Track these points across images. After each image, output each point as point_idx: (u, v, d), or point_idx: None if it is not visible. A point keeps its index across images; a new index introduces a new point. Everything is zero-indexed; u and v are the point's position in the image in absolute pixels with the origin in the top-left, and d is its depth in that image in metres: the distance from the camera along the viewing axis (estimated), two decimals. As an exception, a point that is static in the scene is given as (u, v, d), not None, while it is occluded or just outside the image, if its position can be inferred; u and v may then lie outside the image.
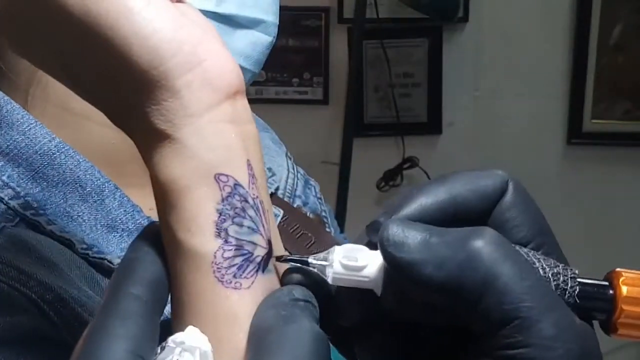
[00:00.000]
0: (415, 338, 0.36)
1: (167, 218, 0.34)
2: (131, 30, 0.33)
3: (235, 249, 0.33)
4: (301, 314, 0.31)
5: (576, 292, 0.33)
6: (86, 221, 0.49)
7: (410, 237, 0.32)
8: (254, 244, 0.34)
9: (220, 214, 0.33)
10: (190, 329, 0.30)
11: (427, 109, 2.17)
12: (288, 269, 0.36)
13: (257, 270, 0.34)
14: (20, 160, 0.49)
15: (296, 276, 0.35)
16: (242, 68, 0.58)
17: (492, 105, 2.13)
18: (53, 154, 0.49)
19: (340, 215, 1.86)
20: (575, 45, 2.09)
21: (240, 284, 0.33)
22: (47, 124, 0.51)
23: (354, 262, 0.34)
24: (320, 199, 0.78)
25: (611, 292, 0.34)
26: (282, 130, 0.83)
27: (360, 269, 0.34)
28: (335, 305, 0.36)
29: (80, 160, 0.50)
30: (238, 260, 0.33)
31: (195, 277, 0.33)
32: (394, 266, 0.32)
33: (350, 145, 1.97)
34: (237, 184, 0.34)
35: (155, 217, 0.53)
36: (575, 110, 2.11)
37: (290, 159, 0.78)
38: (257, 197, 0.34)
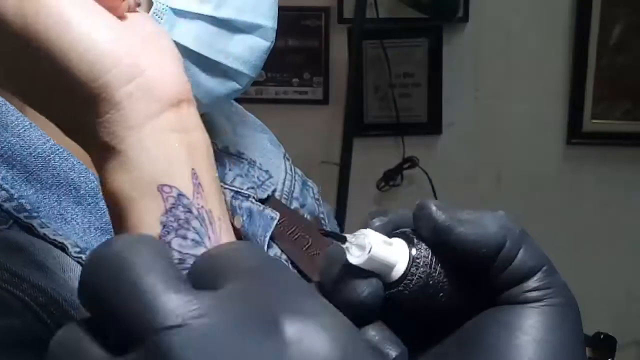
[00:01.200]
0: (421, 323, 0.38)
1: (116, 227, 0.34)
2: (69, 44, 0.32)
3: (177, 264, 0.32)
4: None
5: None
6: (80, 224, 0.49)
7: (452, 210, 0.37)
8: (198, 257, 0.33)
9: (164, 226, 0.33)
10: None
11: (427, 109, 2.17)
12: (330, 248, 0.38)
13: None
14: (14, 162, 0.49)
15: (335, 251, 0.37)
16: (240, 72, 0.58)
17: (492, 105, 2.13)
18: (47, 156, 0.49)
19: (340, 215, 1.86)
20: (575, 45, 2.09)
21: None
22: (42, 126, 0.51)
23: (389, 244, 0.36)
24: (318, 200, 0.78)
25: None
26: (281, 131, 0.83)
27: (392, 262, 0.36)
28: (345, 284, 0.37)
29: (75, 162, 0.50)
30: None
31: None
32: (446, 232, 0.36)
33: (350, 145, 1.96)
34: (180, 194, 0.33)
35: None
36: (575, 110, 2.11)
37: (288, 160, 0.78)
38: (202, 207, 0.34)
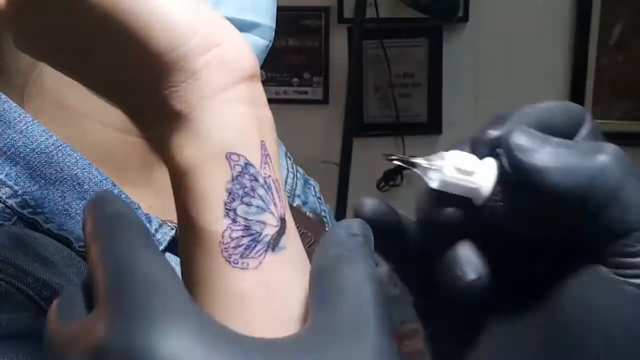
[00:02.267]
0: (509, 251, 0.36)
1: (180, 198, 0.34)
2: (149, 12, 0.33)
3: (243, 229, 0.33)
4: (360, 255, 0.31)
5: None
6: (84, 219, 0.49)
7: (538, 144, 0.33)
8: (263, 223, 0.34)
9: (230, 193, 0.33)
10: None
11: (427, 109, 2.17)
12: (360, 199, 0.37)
13: (266, 250, 0.33)
14: (17, 159, 0.49)
15: (369, 203, 0.37)
16: None
17: (492, 105, 2.13)
18: (51, 152, 0.49)
19: (340, 215, 1.86)
20: (575, 45, 2.09)
21: (248, 264, 0.33)
22: (44, 122, 0.51)
23: (465, 167, 0.34)
24: (320, 198, 0.78)
25: None
26: (282, 130, 0.82)
27: (471, 174, 0.34)
28: (429, 209, 0.36)
29: (78, 158, 0.50)
30: (245, 240, 0.33)
31: (205, 257, 0.33)
32: (522, 171, 0.33)
33: (350, 145, 1.96)
34: (248, 164, 0.34)
35: (154, 214, 0.53)
36: (575, 110, 2.11)
37: (289, 158, 0.78)
38: (269, 176, 0.34)
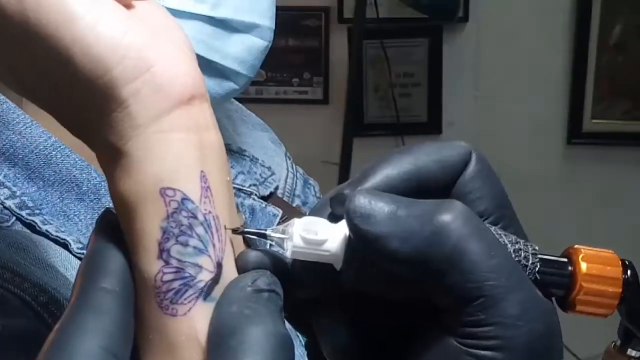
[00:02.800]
0: (374, 312, 0.35)
1: (125, 238, 0.32)
2: (72, 38, 0.30)
3: (175, 272, 0.31)
4: (265, 312, 0.29)
5: (537, 268, 0.33)
6: (82, 220, 0.49)
7: (377, 209, 0.31)
8: (199, 266, 0.31)
9: (164, 232, 0.31)
10: None
11: (427, 109, 2.17)
12: (243, 251, 0.34)
13: (197, 297, 0.31)
14: (16, 160, 0.48)
15: (254, 255, 0.33)
16: (237, 72, 0.58)
17: (492, 105, 2.13)
18: (49, 153, 0.49)
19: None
20: (575, 45, 2.09)
21: (177, 311, 0.31)
22: (43, 123, 0.50)
23: (314, 235, 0.32)
24: (319, 198, 0.78)
25: (570, 268, 0.34)
26: (282, 130, 0.82)
27: (321, 242, 0.32)
28: (292, 277, 0.34)
29: (77, 159, 0.50)
30: (176, 284, 0.31)
31: (142, 301, 0.31)
32: (360, 238, 0.31)
33: (350, 145, 1.96)
34: (185, 199, 0.31)
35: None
36: (575, 110, 2.11)
37: (289, 158, 0.78)
38: (209, 212, 0.32)
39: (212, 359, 0.29)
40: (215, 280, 0.32)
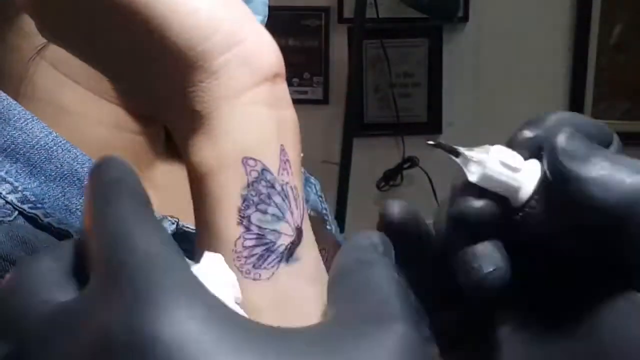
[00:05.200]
0: (537, 265, 0.34)
1: (197, 202, 0.33)
2: (169, 8, 0.31)
3: (256, 238, 0.32)
4: (381, 261, 0.29)
5: None
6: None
7: (584, 151, 0.30)
8: (278, 232, 0.32)
9: (245, 200, 0.32)
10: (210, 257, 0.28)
11: (427, 109, 2.17)
12: (389, 202, 0.35)
13: (279, 261, 0.32)
14: (18, 156, 0.48)
15: (396, 208, 0.34)
16: None
17: (492, 105, 2.13)
18: (50, 148, 0.49)
19: (340, 215, 1.85)
20: (575, 45, 2.09)
21: (260, 275, 0.32)
22: (43, 118, 0.50)
23: (511, 163, 0.31)
24: (321, 197, 0.78)
25: None
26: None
27: (516, 170, 0.31)
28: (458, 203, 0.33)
29: (78, 153, 0.50)
30: (259, 250, 0.32)
31: None
32: (563, 178, 0.30)
33: (350, 145, 1.96)
34: (265, 169, 0.32)
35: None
36: (575, 110, 2.10)
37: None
38: (287, 183, 0.33)
39: (335, 292, 0.28)
40: (296, 242, 0.33)
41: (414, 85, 2.17)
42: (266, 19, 0.58)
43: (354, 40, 1.97)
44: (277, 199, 0.32)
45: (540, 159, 0.32)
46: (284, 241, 0.32)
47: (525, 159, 0.32)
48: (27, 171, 0.48)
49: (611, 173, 0.29)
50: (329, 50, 2.16)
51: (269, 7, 0.59)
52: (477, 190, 0.32)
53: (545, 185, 0.31)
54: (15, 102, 0.50)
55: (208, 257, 0.28)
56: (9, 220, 0.46)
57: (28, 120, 0.49)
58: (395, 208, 0.35)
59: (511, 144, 0.33)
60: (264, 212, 0.32)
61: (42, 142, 0.49)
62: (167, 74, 0.33)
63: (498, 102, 2.13)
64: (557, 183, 0.30)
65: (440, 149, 0.34)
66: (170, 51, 0.32)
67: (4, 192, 0.47)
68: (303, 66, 2.17)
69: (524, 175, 0.32)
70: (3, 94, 0.51)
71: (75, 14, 0.34)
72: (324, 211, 0.76)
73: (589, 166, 0.30)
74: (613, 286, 0.31)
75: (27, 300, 0.24)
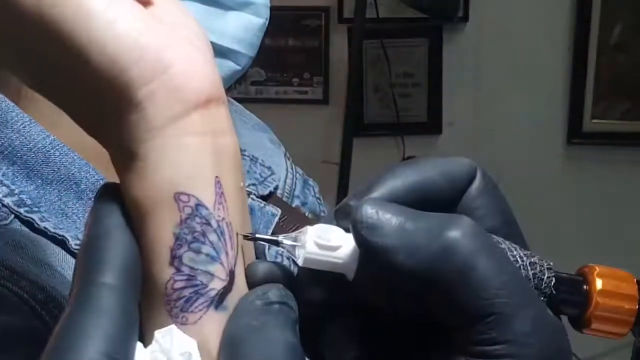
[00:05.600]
0: (384, 325, 0.34)
1: (138, 243, 0.31)
2: (88, 37, 0.29)
3: (186, 279, 0.30)
4: (273, 323, 0.29)
5: (552, 282, 0.33)
6: (81, 218, 0.48)
7: (384, 220, 0.30)
8: (211, 274, 0.31)
9: (177, 238, 0.30)
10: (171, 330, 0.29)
11: (427, 109, 2.17)
12: (251, 262, 0.33)
13: (208, 305, 0.31)
14: (15, 159, 0.48)
15: (262, 267, 0.32)
16: (236, 52, 0.57)
17: (492, 105, 2.13)
18: (47, 151, 0.49)
19: (340, 216, 1.85)
20: (575, 45, 2.09)
21: (187, 319, 0.30)
22: (40, 123, 0.50)
23: (327, 242, 0.31)
24: (319, 199, 0.78)
25: (585, 287, 0.33)
26: (282, 130, 0.82)
27: (335, 249, 0.31)
28: (300, 288, 0.33)
29: (75, 157, 0.49)
30: (187, 292, 0.30)
31: (152, 308, 0.31)
32: (367, 250, 0.30)
33: (350, 145, 1.96)
34: (199, 204, 0.30)
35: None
36: (575, 110, 2.11)
37: (288, 159, 0.78)
38: (222, 219, 0.31)
39: None
40: (227, 289, 0.31)
41: (414, 85, 2.17)
42: (268, 21, 0.58)
43: (354, 40, 1.97)
44: (213, 237, 0.31)
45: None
46: (216, 285, 0.31)
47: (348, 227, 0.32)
48: (24, 174, 0.48)
49: (411, 237, 0.30)
50: (329, 50, 2.16)
51: (270, 7, 0.59)
52: (312, 272, 0.32)
53: (361, 256, 0.31)
54: (13, 104, 0.50)
55: (160, 334, 0.28)
56: (4, 224, 0.46)
57: (26, 123, 0.49)
58: (259, 271, 0.33)
59: (337, 213, 0.33)
60: (198, 252, 0.30)
61: (39, 145, 0.49)
62: (98, 104, 0.31)
63: (498, 102, 2.13)
64: (366, 254, 0.30)
65: (263, 242, 0.33)
66: (95, 81, 0.30)
67: (0, 195, 0.47)
68: (303, 66, 2.17)
69: (345, 251, 0.31)
70: (1, 96, 0.51)
71: (6, 41, 0.32)
72: (322, 213, 0.76)
73: (390, 234, 0.30)
74: (440, 347, 0.31)
75: None
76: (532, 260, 0.33)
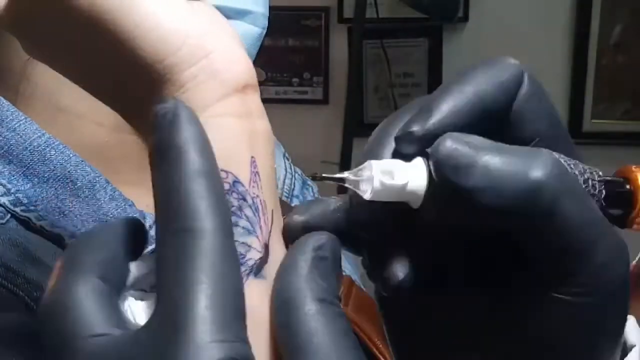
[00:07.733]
0: (449, 250, 0.35)
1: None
2: (134, 23, 0.32)
3: None
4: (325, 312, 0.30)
5: (602, 195, 0.34)
6: (77, 216, 0.48)
7: (468, 159, 0.30)
8: (248, 246, 0.32)
9: None
10: None
11: (427, 109, 2.17)
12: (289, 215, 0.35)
13: (248, 274, 0.32)
14: (10, 157, 0.48)
15: (301, 217, 0.34)
16: None
17: (492, 106, 2.13)
18: (43, 149, 0.49)
19: (339, 216, 1.85)
20: (575, 45, 2.09)
21: None
22: (38, 121, 0.50)
23: (392, 180, 0.32)
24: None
25: (628, 187, 0.35)
26: (281, 130, 0.82)
27: (401, 187, 0.32)
28: (366, 216, 0.34)
29: (71, 155, 0.49)
30: None
31: None
32: (451, 189, 0.30)
33: (350, 145, 1.96)
34: (236, 181, 0.32)
35: (151, 212, 0.53)
36: (575, 110, 2.11)
37: (288, 159, 0.77)
38: (257, 196, 0.33)
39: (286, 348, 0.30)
40: (264, 260, 0.33)
41: (414, 85, 2.17)
42: (265, 31, 0.58)
43: (354, 40, 1.97)
44: (248, 212, 0.32)
45: (427, 156, 0.32)
46: (253, 256, 0.32)
47: (412, 153, 0.33)
48: (20, 172, 0.48)
49: (496, 178, 0.30)
50: (329, 50, 2.16)
51: (270, 7, 0.59)
52: (377, 204, 0.33)
53: (436, 189, 0.32)
54: (8, 102, 0.50)
55: None
56: (1, 224, 0.46)
57: (21, 121, 0.49)
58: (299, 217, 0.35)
59: (399, 140, 0.33)
60: (235, 225, 0.32)
61: (35, 144, 0.49)
62: (140, 86, 0.33)
63: (498, 102, 2.13)
64: (445, 190, 0.31)
65: (330, 180, 0.34)
66: (139, 65, 0.32)
67: (-4, 195, 0.47)
68: (303, 66, 2.18)
69: (412, 180, 0.32)
70: (-4, 94, 0.51)
71: (52, 33, 0.34)
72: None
73: (474, 175, 0.30)
74: (522, 278, 0.33)
75: (76, 333, 0.28)
76: (586, 176, 0.34)
